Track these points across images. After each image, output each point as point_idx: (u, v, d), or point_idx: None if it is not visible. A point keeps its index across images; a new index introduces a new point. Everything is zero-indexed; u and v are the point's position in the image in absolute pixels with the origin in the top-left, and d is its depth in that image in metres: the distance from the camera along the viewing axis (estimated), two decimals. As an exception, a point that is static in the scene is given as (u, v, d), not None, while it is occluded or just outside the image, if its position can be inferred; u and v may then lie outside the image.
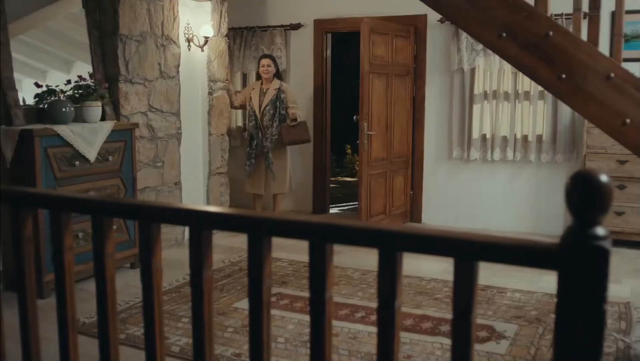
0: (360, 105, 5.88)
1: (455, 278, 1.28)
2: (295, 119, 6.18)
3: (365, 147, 5.88)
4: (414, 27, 6.47)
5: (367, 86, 5.85)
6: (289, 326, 3.72)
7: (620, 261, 5.21)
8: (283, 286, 4.50)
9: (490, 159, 6.34)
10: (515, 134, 6.22)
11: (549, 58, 2.75)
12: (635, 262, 5.19)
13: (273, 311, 3.96)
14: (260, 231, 1.47)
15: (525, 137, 6.21)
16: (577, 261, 1.16)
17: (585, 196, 1.15)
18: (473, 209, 6.47)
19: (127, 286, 4.38)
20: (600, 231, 1.17)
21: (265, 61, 6.31)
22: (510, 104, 6.20)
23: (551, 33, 2.74)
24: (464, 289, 1.29)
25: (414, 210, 6.72)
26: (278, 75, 6.41)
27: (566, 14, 5.64)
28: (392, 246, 1.34)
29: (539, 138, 6.15)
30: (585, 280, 1.16)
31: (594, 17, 2.80)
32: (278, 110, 6.18)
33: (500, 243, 1.23)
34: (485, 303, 4.14)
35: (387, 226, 1.34)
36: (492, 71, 6.20)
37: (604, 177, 1.14)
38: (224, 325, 3.75)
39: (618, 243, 5.58)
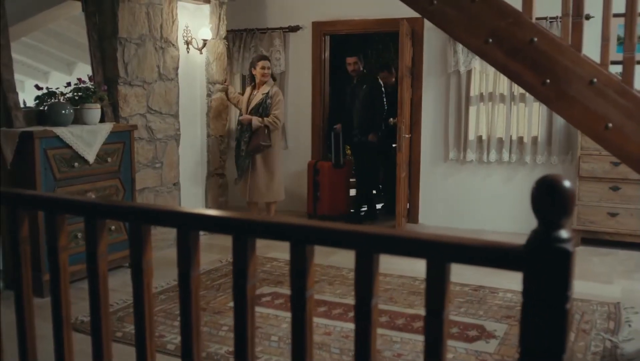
0: (399, 108, 5.85)
1: (428, 278, 1.34)
2: (248, 124, 5.89)
3: (402, 150, 5.88)
4: (411, 30, 6.53)
5: (403, 89, 5.83)
6: (283, 325, 3.78)
7: (613, 261, 5.27)
8: (279, 286, 4.56)
9: (486, 160, 6.40)
10: (510, 136, 6.28)
11: (534, 63, 2.81)
12: (627, 263, 5.25)
13: (267, 310, 4.03)
14: (244, 232, 1.53)
15: (520, 139, 6.27)
16: (541, 263, 1.21)
17: (549, 201, 1.21)
18: (469, 210, 6.53)
19: (125, 285, 4.44)
20: (563, 233, 1.22)
21: (266, 63, 5.99)
22: (506, 106, 6.26)
23: (536, 39, 2.80)
24: (436, 289, 1.35)
25: (411, 211, 6.78)
26: (272, 76, 6.14)
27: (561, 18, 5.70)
28: (368, 247, 1.40)
29: (534, 140, 6.21)
30: (549, 281, 1.21)
31: (577, 24, 2.85)
32: (261, 115, 5.88)
33: (469, 245, 1.29)
34: (477, 303, 4.20)
35: (362, 229, 1.40)
36: (488, 73, 6.25)
37: (567, 183, 1.20)
38: (219, 324, 3.81)
39: (611, 243, 5.64)
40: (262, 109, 5.90)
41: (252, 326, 1.59)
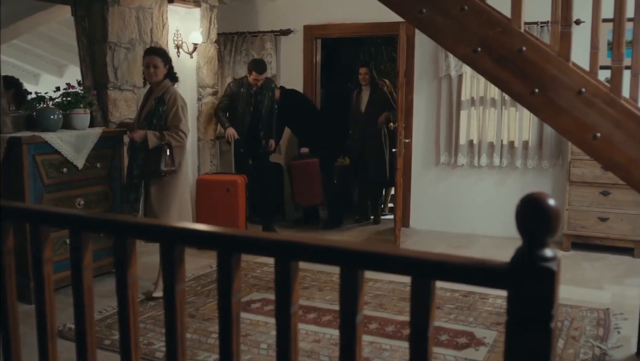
0: (399, 113, 5.79)
1: (412, 295, 1.33)
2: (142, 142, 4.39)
3: (402, 154, 5.83)
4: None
5: (403, 93, 5.80)
6: (272, 332, 3.76)
7: (603, 267, 5.28)
8: (269, 292, 4.54)
9: (477, 164, 6.41)
10: (501, 140, 6.29)
11: (523, 73, 2.81)
12: (617, 268, 5.26)
13: (257, 317, 4.02)
14: (228, 248, 1.52)
15: (511, 143, 6.28)
16: (525, 282, 1.21)
17: (534, 219, 1.21)
18: (460, 214, 6.53)
19: (114, 291, 4.40)
20: (547, 252, 1.22)
21: (149, 60, 4.43)
22: (497, 110, 6.27)
23: (524, 48, 2.81)
24: (421, 307, 1.33)
25: (403, 215, 6.77)
26: (172, 76, 4.56)
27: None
28: (354, 264, 1.39)
29: (525, 144, 6.22)
30: (533, 300, 1.21)
31: (565, 33, 2.85)
32: (156, 128, 4.41)
33: (454, 263, 1.28)
34: (467, 309, 4.20)
35: (348, 245, 1.39)
36: (479, 77, 6.25)
37: (551, 202, 1.20)
38: (209, 331, 3.80)
39: (602, 248, 5.65)
40: (155, 119, 4.42)
41: (237, 341, 1.59)
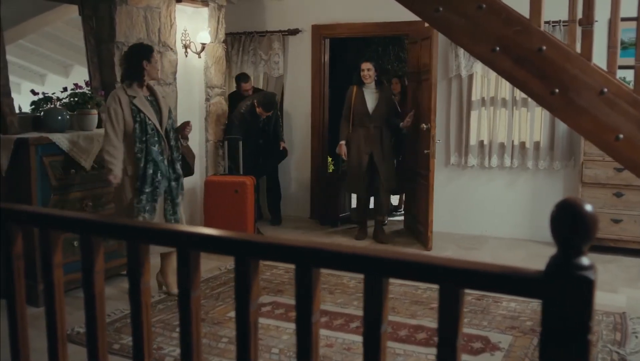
0: (430, 113, 5.67)
1: (440, 304, 1.28)
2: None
3: (434, 155, 5.71)
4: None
5: (435, 94, 5.70)
6: (284, 336, 3.71)
7: (616, 269, 5.21)
8: (279, 295, 4.49)
9: (487, 165, 6.34)
10: (512, 141, 6.22)
11: (542, 72, 2.75)
12: (631, 270, 5.18)
13: (268, 321, 3.96)
14: (247, 253, 1.47)
15: (522, 144, 6.21)
16: (561, 291, 1.16)
17: (571, 226, 1.15)
18: (470, 215, 6.46)
19: (122, 294, 4.37)
20: (584, 260, 1.17)
21: (157, 56, 4.35)
22: (508, 111, 6.20)
23: (544, 47, 2.74)
24: (449, 316, 1.28)
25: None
26: None
27: (564, 21, 5.66)
28: (379, 272, 1.34)
29: (537, 145, 6.15)
30: (569, 310, 1.16)
31: (587, 32, 2.79)
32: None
33: (485, 271, 1.22)
34: (481, 313, 4.13)
35: (373, 252, 1.34)
36: (489, 77, 6.19)
37: (588, 207, 1.14)
38: (219, 335, 3.74)
39: (615, 250, 5.57)
40: (172, 127, 4.33)
41: (255, 349, 1.54)
